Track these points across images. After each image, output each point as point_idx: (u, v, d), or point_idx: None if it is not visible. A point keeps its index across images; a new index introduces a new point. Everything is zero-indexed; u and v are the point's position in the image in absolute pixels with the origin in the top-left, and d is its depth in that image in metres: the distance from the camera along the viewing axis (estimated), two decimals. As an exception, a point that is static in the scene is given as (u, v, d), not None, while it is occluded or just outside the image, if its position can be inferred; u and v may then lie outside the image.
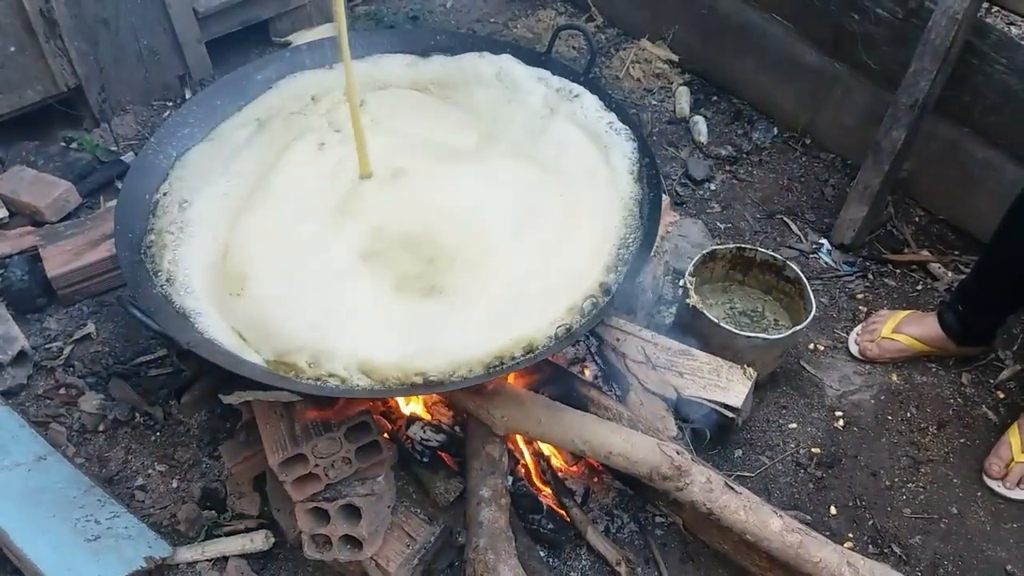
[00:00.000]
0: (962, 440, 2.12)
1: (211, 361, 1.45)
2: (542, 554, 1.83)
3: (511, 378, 1.84)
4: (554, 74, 2.01)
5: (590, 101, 1.95)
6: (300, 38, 3.06)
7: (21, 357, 2.12)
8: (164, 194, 1.77)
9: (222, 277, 1.62)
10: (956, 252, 2.56)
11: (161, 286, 1.59)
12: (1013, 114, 2.30)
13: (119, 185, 2.52)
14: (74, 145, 2.72)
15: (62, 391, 2.11)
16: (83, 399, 2.09)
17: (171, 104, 2.93)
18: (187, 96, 2.92)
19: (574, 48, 3.19)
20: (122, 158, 2.69)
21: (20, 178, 2.49)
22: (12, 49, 2.50)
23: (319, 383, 1.48)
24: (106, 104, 2.78)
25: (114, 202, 2.25)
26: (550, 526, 1.83)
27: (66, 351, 2.20)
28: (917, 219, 2.67)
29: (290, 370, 1.49)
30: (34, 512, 1.77)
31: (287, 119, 1.91)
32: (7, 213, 2.43)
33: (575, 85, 1.98)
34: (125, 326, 2.27)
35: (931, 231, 2.63)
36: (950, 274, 2.50)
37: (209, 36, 2.95)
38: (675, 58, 3.16)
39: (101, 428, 2.05)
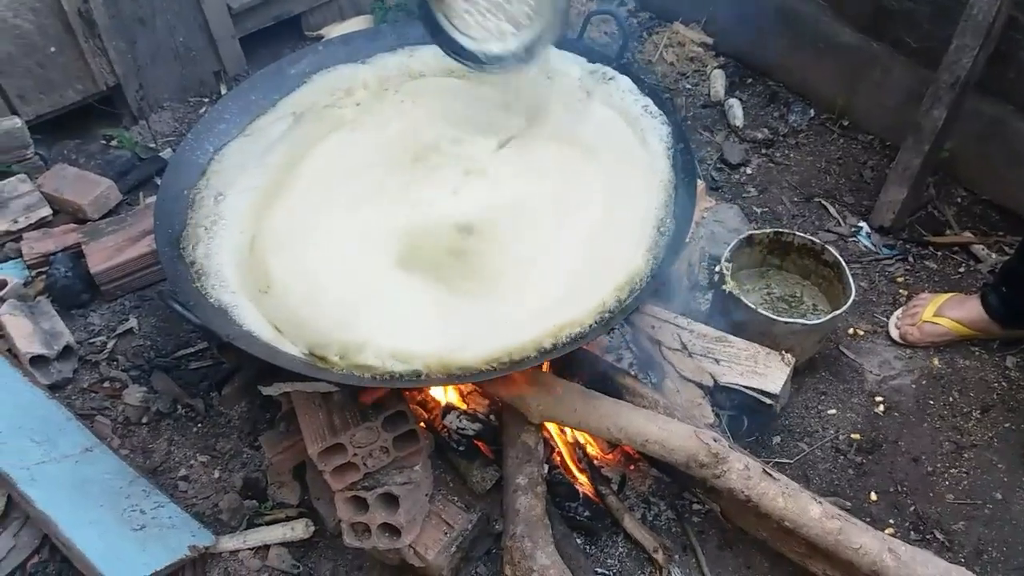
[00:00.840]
0: (1007, 424, 2.08)
1: (250, 353, 1.48)
2: (579, 541, 1.83)
3: (546, 367, 1.84)
4: (588, 60, 2.00)
5: (625, 82, 1.93)
6: (332, 31, 3.08)
7: (67, 352, 2.17)
8: (202, 189, 1.80)
9: (249, 271, 1.65)
10: (1000, 233, 2.50)
11: (199, 280, 1.62)
12: (1059, 90, 2.24)
13: (158, 181, 2.56)
14: (114, 143, 2.77)
15: (106, 384, 2.16)
16: (127, 392, 2.14)
17: (207, 100, 2.97)
18: (223, 92, 2.96)
19: (606, 33, 3.17)
20: (160, 155, 2.74)
21: (62, 176, 2.55)
22: (52, 50, 2.55)
23: (355, 374, 1.49)
24: (144, 102, 2.83)
25: (153, 198, 2.29)
26: (586, 514, 1.83)
27: (109, 345, 2.25)
28: (959, 200, 2.61)
29: (324, 362, 1.51)
30: (82, 502, 1.82)
31: (320, 112, 1.92)
32: (51, 211, 2.48)
33: (608, 68, 1.96)
34: (166, 320, 2.32)
35: (974, 212, 2.57)
36: (994, 255, 2.44)
37: (243, 32, 2.99)
38: (709, 41, 3.12)
39: (144, 420, 2.10)
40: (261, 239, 1.69)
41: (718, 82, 3.01)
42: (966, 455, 2.02)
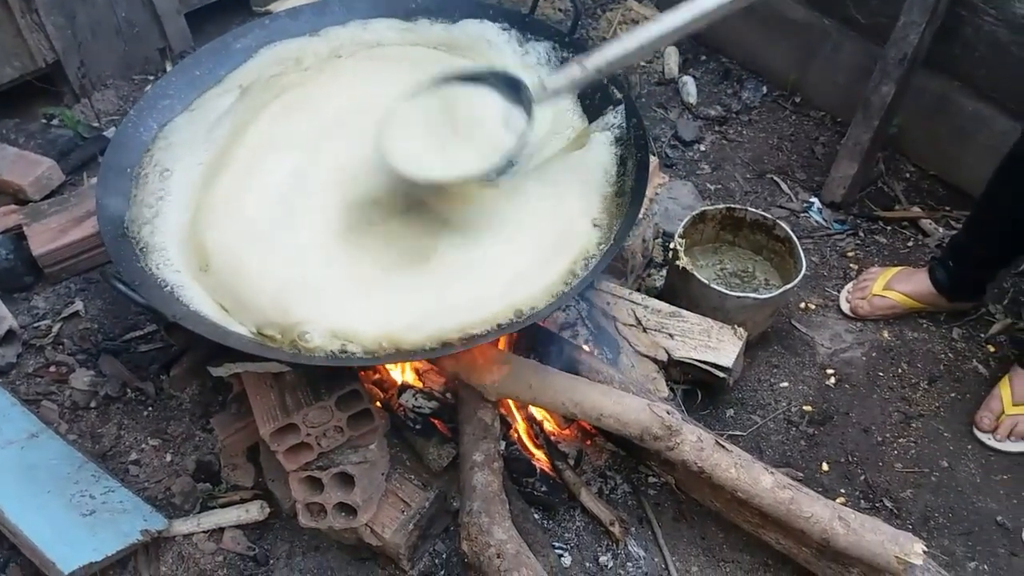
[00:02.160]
0: (953, 394, 2.13)
1: (198, 333, 1.44)
2: (536, 516, 1.84)
3: (502, 343, 1.84)
4: (538, 36, 1.98)
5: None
6: (280, 6, 3.01)
7: (9, 336, 2.11)
8: (147, 166, 1.74)
9: (190, 248, 1.60)
10: (947, 208, 2.55)
11: (144, 260, 1.58)
12: (1003, 66, 2.28)
13: (101, 161, 2.49)
14: (55, 122, 2.69)
15: (52, 369, 2.11)
16: (74, 376, 2.09)
17: (152, 78, 2.90)
18: (168, 70, 2.88)
19: (560, 10, 3.15)
20: (104, 134, 2.67)
21: (1, 156, 2.46)
22: (-13, 25, 2.47)
23: (302, 353, 1.46)
24: (86, 79, 2.75)
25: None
26: (544, 489, 1.84)
27: (55, 329, 2.19)
28: (908, 175, 2.65)
29: (273, 341, 1.48)
30: (28, 489, 1.77)
31: (267, 82, 1.87)
32: (-10, 192, 2.41)
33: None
34: (113, 302, 2.26)
35: (922, 187, 2.62)
36: (941, 230, 2.49)
37: (188, 7, 2.92)
38: (662, 18, 3.12)
39: (93, 404, 2.05)
40: (200, 214, 1.63)
41: (672, 59, 3.02)
42: (914, 425, 2.07)
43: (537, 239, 1.61)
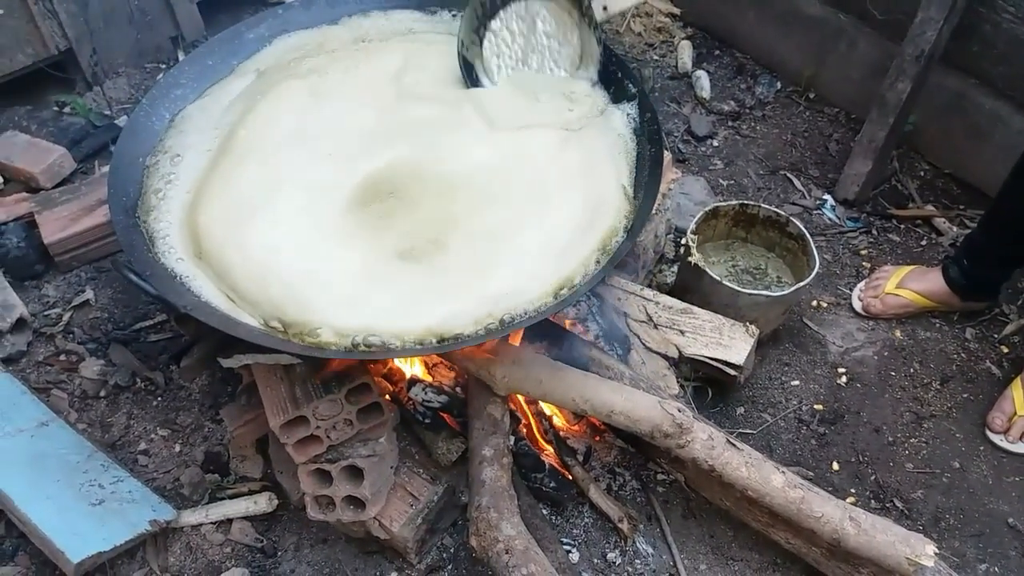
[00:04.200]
0: (965, 395, 2.12)
1: (208, 324, 1.44)
2: (544, 512, 1.84)
3: (513, 339, 1.83)
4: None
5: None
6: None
7: (20, 324, 2.11)
8: (158, 154, 1.73)
9: (187, 233, 1.58)
10: (961, 207, 2.53)
11: (153, 249, 1.57)
12: (1021, 64, 2.25)
13: (113, 149, 2.49)
14: (67, 109, 2.69)
15: (62, 357, 2.11)
16: (83, 365, 2.09)
17: (164, 66, 2.89)
18: (180, 58, 2.88)
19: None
20: (116, 122, 2.66)
21: (13, 144, 2.47)
22: (1, 12, 2.46)
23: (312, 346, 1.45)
24: (98, 67, 2.74)
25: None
26: (552, 484, 1.83)
27: (65, 317, 2.19)
28: (922, 173, 2.63)
29: (284, 333, 1.47)
30: (38, 477, 1.78)
31: (286, 65, 1.86)
32: (1, 180, 2.40)
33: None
34: (124, 291, 2.26)
35: (936, 185, 2.60)
36: (955, 229, 2.47)
37: (200, -4, 2.90)
38: (677, 11, 3.11)
39: (102, 394, 2.05)
40: (197, 197, 1.61)
41: (685, 53, 3.00)
42: (925, 425, 2.06)
43: (550, 233, 1.60)
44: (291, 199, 1.61)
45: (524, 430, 1.90)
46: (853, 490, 1.93)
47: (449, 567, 1.78)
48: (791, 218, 2.14)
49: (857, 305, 2.30)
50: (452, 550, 1.80)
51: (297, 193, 1.62)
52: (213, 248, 1.54)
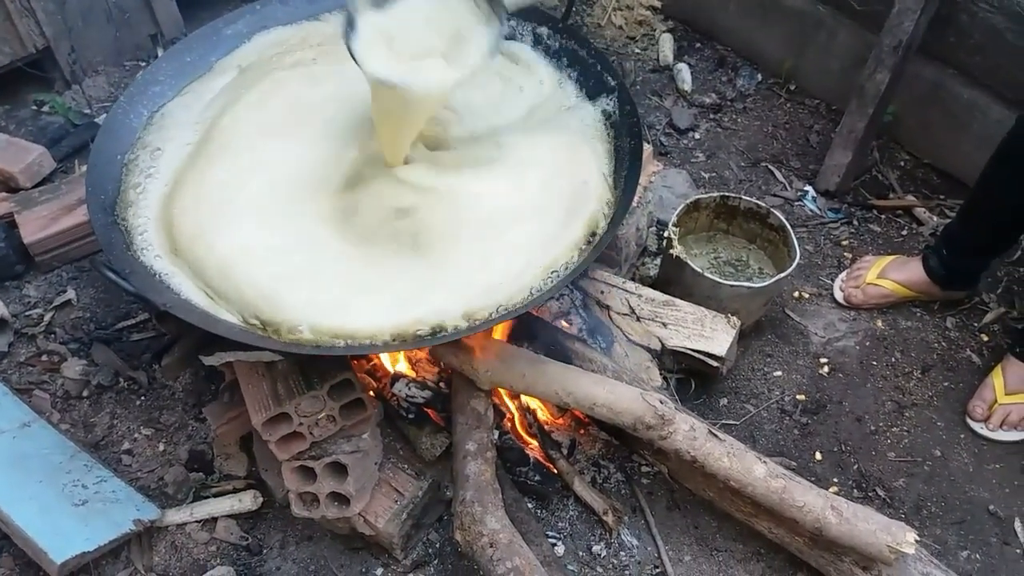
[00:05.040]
0: (946, 384, 2.14)
1: (189, 322, 1.43)
2: (529, 505, 1.84)
3: (496, 333, 1.83)
4: (532, 23, 1.96)
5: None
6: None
7: (1, 325, 2.10)
8: (138, 151, 1.73)
9: (162, 228, 1.57)
10: (941, 196, 2.55)
11: (132, 247, 1.56)
12: (998, 54, 2.27)
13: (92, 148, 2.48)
14: (46, 108, 2.67)
15: (44, 358, 2.10)
16: (66, 365, 2.08)
17: (143, 64, 2.88)
18: (160, 56, 2.86)
19: (555, -4, 3.13)
20: (96, 120, 2.64)
21: (-9, 143, 2.45)
22: (-23, 10, 2.44)
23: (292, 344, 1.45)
24: (77, 65, 2.72)
25: (87, 165, 2.21)
26: (537, 478, 1.84)
27: (47, 317, 2.18)
28: (902, 163, 2.65)
29: (264, 330, 1.46)
30: (20, 478, 1.77)
31: (269, 60, 1.85)
32: (-20, 180, 2.39)
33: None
34: (105, 291, 2.25)
35: (916, 175, 2.62)
36: (935, 219, 2.49)
37: (180, -8, 2.89)
38: (658, 4, 3.11)
39: (85, 394, 2.04)
40: (174, 190, 1.60)
41: (666, 46, 3.00)
42: (907, 414, 2.07)
43: (530, 228, 1.60)
44: (266, 191, 1.60)
45: (508, 424, 1.91)
46: (836, 479, 1.95)
47: (435, 562, 1.78)
48: (772, 209, 2.15)
49: (839, 295, 2.31)
50: (438, 545, 1.80)
51: (275, 185, 1.61)
52: (185, 243, 1.53)
